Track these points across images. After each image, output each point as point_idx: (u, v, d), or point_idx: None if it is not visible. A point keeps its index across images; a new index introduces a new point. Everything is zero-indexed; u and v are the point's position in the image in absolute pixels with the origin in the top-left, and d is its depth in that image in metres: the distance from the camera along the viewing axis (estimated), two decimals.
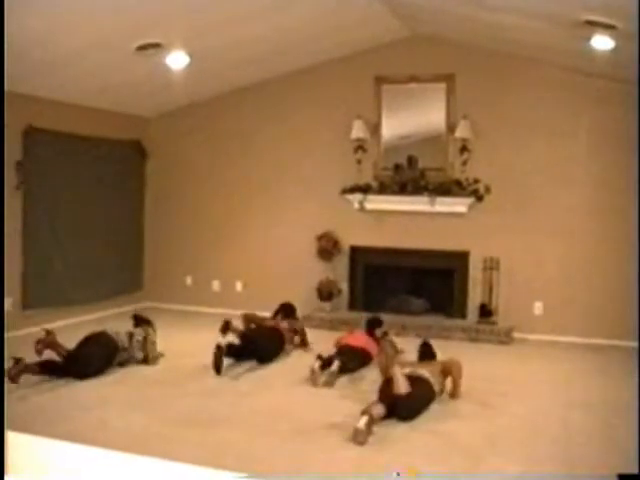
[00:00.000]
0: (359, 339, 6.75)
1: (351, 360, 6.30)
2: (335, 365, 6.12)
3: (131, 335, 6.54)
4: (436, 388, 5.38)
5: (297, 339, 7.36)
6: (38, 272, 7.88)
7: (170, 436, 4.72)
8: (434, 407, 5.34)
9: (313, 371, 6.08)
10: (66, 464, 3.07)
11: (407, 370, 5.31)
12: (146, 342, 6.57)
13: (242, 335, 6.69)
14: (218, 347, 6.28)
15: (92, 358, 6.06)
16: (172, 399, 5.61)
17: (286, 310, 7.60)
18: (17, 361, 5.67)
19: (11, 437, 2.97)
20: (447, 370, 5.63)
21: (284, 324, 7.27)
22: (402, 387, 4.96)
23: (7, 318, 7.41)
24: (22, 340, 5.97)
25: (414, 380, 5.15)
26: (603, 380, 6.31)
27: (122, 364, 6.41)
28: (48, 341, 5.93)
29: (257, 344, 6.65)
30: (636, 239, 7.39)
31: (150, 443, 4.52)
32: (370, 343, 6.66)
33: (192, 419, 5.12)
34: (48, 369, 5.86)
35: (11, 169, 7.47)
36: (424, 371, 5.40)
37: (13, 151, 7.47)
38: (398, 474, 4.10)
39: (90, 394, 5.66)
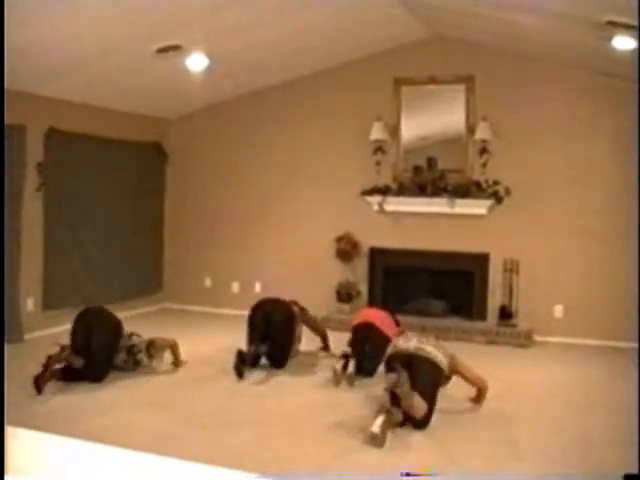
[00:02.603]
0: (373, 315, 6.66)
1: (368, 358, 6.19)
2: (351, 365, 6.12)
3: (131, 335, 6.41)
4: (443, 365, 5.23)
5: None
6: (59, 273, 7.94)
7: (188, 437, 4.74)
8: (453, 410, 5.33)
9: (335, 372, 6.08)
10: (83, 463, 3.09)
11: (413, 343, 5.24)
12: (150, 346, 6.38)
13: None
14: (239, 353, 6.29)
15: (100, 357, 6.00)
16: (191, 400, 5.63)
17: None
18: (45, 368, 5.64)
19: (26, 435, 2.99)
20: (458, 372, 5.44)
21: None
22: (418, 412, 4.85)
23: (28, 318, 7.51)
24: (43, 341, 6.00)
25: (419, 361, 5.04)
26: (625, 383, 6.25)
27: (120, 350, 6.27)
28: (62, 357, 5.78)
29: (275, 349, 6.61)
30: None
31: (168, 443, 4.55)
32: (387, 322, 6.55)
33: (211, 420, 5.14)
34: (69, 374, 5.85)
35: (32, 171, 7.54)
36: (430, 348, 5.20)
37: (34, 153, 7.54)
38: (408, 474, 4.13)
39: (109, 395, 5.70)
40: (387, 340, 5.88)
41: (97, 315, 6.23)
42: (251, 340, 6.57)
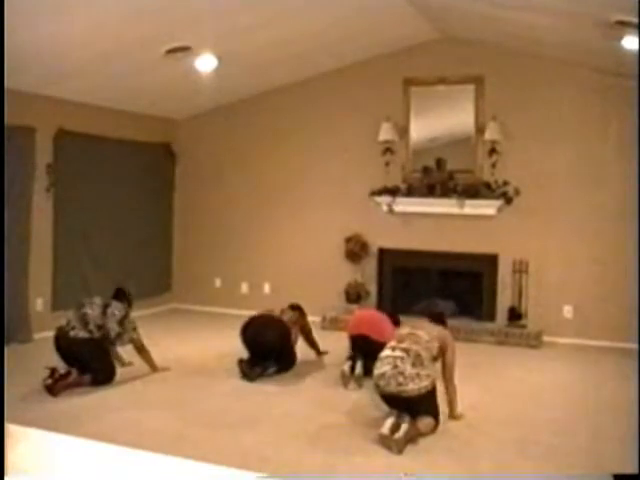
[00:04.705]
0: (367, 319, 6.48)
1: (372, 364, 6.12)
2: (359, 367, 6.08)
3: (106, 305, 6.11)
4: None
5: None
6: (68, 273, 7.97)
7: (196, 437, 4.75)
8: (462, 412, 5.31)
9: (343, 374, 6.07)
10: (92, 463, 3.10)
11: (392, 387, 4.76)
12: (124, 321, 6.11)
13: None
14: (240, 361, 6.30)
15: (101, 364, 5.95)
16: (199, 400, 5.64)
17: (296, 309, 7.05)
18: (52, 372, 5.65)
19: (36, 435, 3.01)
20: (442, 356, 5.15)
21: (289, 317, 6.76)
22: (428, 431, 4.79)
23: (37, 318, 7.54)
24: (52, 341, 6.02)
25: (410, 402, 4.74)
26: (634, 384, 6.23)
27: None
28: (71, 383, 5.70)
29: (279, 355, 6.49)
30: None
31: (176, 443, 4.55)
32: (382, 326, 6.28)
33: (218, 420, 5.14)
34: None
35: (42, 171, 7.57)
36: (411, 386, 4.72)
37: (44, 154, 7.58)
38: (405, 474, 4.12)
39: (117, 395, 5.71)
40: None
41: (74, 347, 5.91)
42: (252, 358, 6.41)
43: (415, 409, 4.77)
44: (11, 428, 3.22)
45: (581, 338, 7.93)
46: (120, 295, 6.39)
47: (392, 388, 4.74)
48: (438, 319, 5.48)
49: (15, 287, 7.23)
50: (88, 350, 5.89)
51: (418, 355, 4.84)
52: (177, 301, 9.90)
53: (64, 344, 5.90)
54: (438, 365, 5.14)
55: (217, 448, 4.51)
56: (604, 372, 6.77)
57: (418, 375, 4.75)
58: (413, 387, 4.71)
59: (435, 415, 4.85)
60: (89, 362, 5.88)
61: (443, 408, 5.04)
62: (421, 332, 5.06)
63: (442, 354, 5.13)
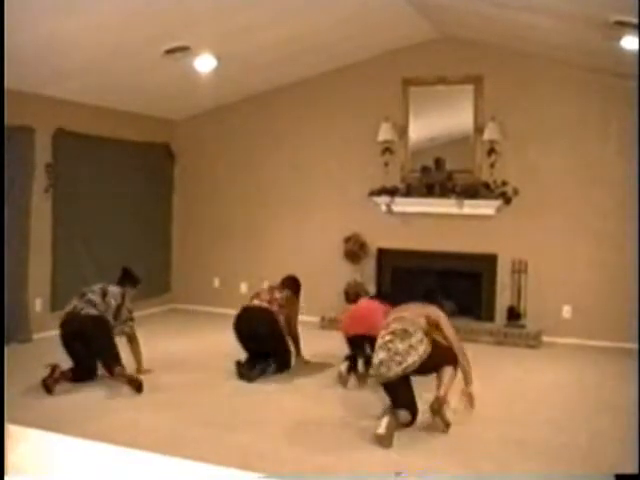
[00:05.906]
0: (364, 316, 6.26)
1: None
2: (360, 365, 6.06)
3: (104, 293, 6.14)
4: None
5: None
6: (67, 273, 7.95)
7: (195, 437, 4.74)
8: (462, 410, 5.31)
9: (341, 374, 6.07)
10: (92, 463, 3.10)
11: (394, 370, 4.85)
12: (120, 311, 6.13)
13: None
14: (237, 363, 6.28)
15: (109, 355, 5.89)
16: (197, 400, 5.64)
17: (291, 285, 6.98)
18: (53, 369, 5.63)
19: (36, 436, 3.00)
20: (438, 330, 5.12)
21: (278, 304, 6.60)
22: (452, 384, 4.89)
23: (36, 319, 7.54)
24: (51, 341, 6.03)
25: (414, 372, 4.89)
26: (633, 384, 6.23)
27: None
28: (57, 377, 5.65)
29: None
30: None
31: (175, 443, 4.55)
32: (379, 320, 5.82)
33: (217, 420, 5.14)
34: (79, 375, 5.84)
35: (41, 171, 7.57)
36: (410, 360, 4.82)
37: (43, 154, 7.58)
38: (399, 474, 4.12)
39: (117, 395, 5.70)
40: None
41: (86, 324, 5.90)
42: (249, 354, 6.39)
43: (428, 371, 4.94)
44: (11, 428, 3.22)
45: (580, 338, 7.93)
46: (123, 278, 6.44)
47: (395, 369, 4.84)
48: (428, 298, 5.44)
49: (15, 287, 7.23)
50: (98, 331, 5.86)
51: (404, 330, 4.95)
52: (176, 301, 9.90)
53: (76, 325, 5.86)
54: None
55: (216, 448, 4.51)
56: (604, 372, 6.77)
57: (411, 346, 4.87)
58: (414, 358, 4.83)
59: (449, 362, 4.94)
60: (95, 342, 5.83)
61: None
62: (405, 313, 5.14)
63: (439, 330, 5.11)
